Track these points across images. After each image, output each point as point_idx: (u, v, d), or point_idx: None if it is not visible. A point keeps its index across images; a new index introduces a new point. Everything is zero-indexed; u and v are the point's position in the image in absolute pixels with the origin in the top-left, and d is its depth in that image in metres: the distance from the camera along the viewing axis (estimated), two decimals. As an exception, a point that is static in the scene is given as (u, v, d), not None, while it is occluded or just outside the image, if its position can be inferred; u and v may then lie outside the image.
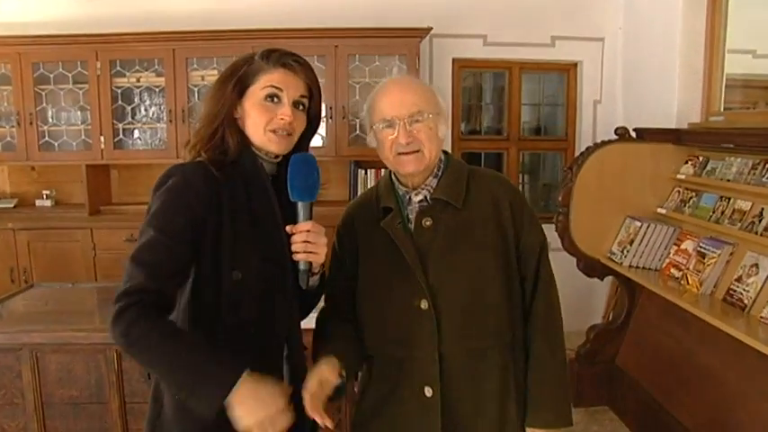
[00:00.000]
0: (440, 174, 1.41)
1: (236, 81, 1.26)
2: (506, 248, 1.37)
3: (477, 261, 1.35)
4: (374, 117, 1.39)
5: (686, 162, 3.06)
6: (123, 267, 1.16)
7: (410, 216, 1.40)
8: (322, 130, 3.86)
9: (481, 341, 1.35)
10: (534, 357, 1.39)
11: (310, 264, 1.27)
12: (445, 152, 1.46)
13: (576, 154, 4.28)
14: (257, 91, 1.26)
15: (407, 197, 1.41)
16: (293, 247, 1.25)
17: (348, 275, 1.44)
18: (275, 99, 1.26)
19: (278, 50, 1.28)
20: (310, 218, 1.27)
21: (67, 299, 2.78)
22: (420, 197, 1.40)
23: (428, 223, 1.37)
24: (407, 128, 1.33)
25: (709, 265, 2.60)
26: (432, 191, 1.39)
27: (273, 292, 1.27)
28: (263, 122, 1.26)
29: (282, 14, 3.86)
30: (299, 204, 1.26)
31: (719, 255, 2.57)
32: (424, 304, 1.32)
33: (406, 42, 3.81)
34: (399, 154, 1.35)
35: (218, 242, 1.21)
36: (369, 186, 4.20)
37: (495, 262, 1.36)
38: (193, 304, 1.22)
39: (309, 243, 1.25)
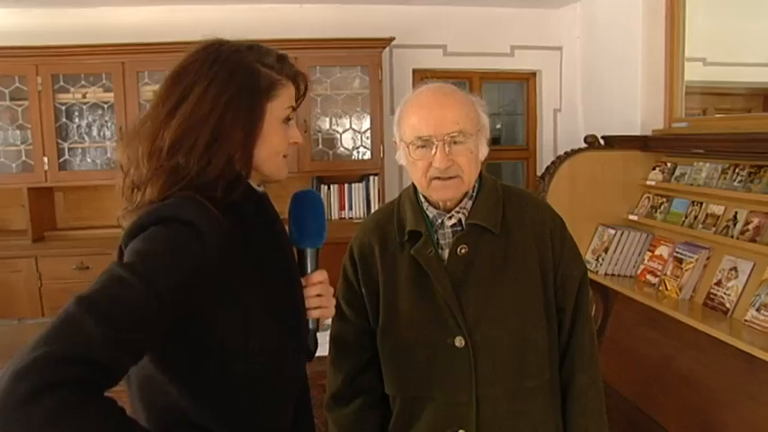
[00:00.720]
0: (475, 195, 1.27)
1: (263, 97, 0.99)
2: (546, 278, 1.26)
3: (518, 293, 1.23)
4: (406, 132, 1.23)
5: (654, 168, 3.09)
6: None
7: (441, 241, 1.26)
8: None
9: (522, 382, 1.23)
10: (578, 396, 1.29)
11: (318, 320, 1.08)
12: None
13: (539, 163, 4.33)
14: (279, 111, 1.01)
15: (439, 220, 1.26)
16: (307, 303, 1.05)
17: (364, 311, 1.29)
18: (290, 119, 1.04)
19: (287, 57, 1.07)
20: (317, 267, 1.08)
21: (13, 337, 2.48)
22: (453, 221, 1.26)
23: (464, 251, 1.23)
24: (446, 150, 1.18)
25: (686, 270, 2.62)
26: (467, 214, 1.25)
27: (292, 355, 1.02)
28: (283, 148, 1.03)
29: (238, 25, 3.69)
30: (308, 252, 1.07)
31: (696, 259, 2.59)
32: (459, 342, 1.20)
33: (367, 53, 3.73)
34: (435, 179, 1.20)
35: (222, 305, 0.90)
36: (332, 203, 4.08)
37: (536, 294, 1.24)
38: (196, 384, 0.92)
39: (322, 297, 1.07)
